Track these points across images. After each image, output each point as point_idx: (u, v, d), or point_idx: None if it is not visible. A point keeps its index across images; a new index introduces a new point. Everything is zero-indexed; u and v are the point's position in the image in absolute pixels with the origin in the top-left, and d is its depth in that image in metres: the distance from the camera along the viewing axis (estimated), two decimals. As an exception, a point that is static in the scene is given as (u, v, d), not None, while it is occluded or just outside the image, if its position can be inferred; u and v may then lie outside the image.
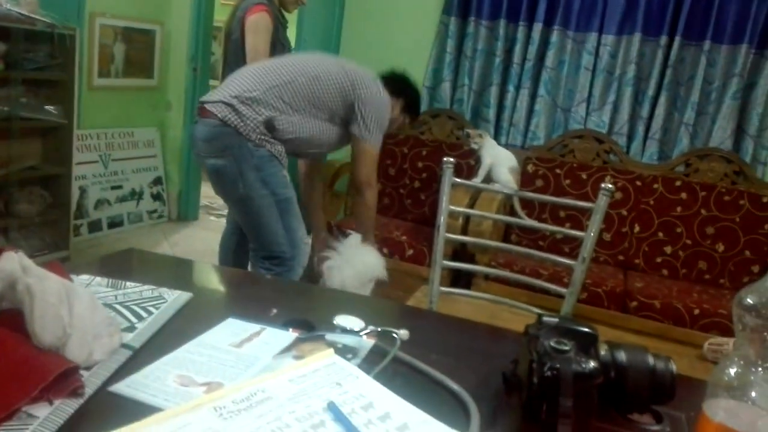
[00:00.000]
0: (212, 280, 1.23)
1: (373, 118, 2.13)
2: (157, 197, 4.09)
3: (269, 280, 1.49)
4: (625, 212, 3.06)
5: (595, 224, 1.46)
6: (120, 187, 3.81)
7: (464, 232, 2.73)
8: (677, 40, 3.06)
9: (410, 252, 2.89)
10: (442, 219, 1.58)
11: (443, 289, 1.59)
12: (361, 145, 2.17)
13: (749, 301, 0.53)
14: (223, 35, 2.64)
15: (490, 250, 2.77)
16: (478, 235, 2.69)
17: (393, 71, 2.43)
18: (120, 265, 1.13)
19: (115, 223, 3.77)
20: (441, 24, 3.46)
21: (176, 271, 1.20)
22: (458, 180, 1.64)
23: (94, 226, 3.64)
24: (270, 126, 2.03)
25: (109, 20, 3.60)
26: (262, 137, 2.01)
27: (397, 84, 2.37)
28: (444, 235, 1.58)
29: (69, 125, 2.94)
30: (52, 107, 2.89)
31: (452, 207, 1.63)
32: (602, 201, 1.44)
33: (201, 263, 1.24)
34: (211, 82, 4.18)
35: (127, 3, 3.73)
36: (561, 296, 1.53)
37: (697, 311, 2.54)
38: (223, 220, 4.20)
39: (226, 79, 2.15)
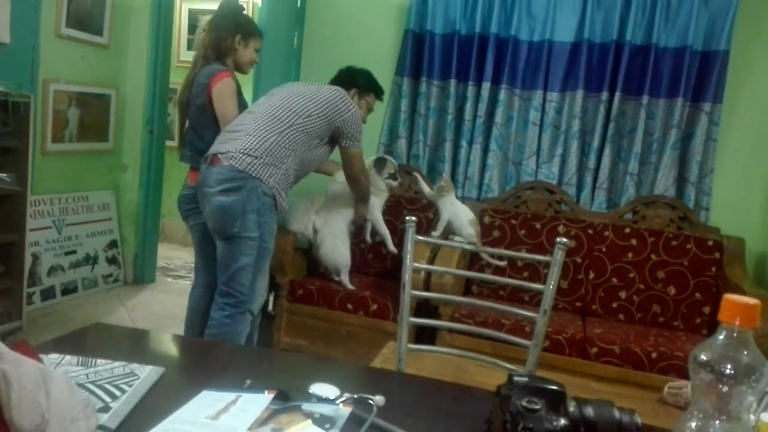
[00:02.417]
0: (183, 352, 1.22)
1: (356, 130, 2.52)
2: (112, 261, 4.01)
3: (241, 348, 1.49)
4: (579, 260, 3.16)
5: (553, 277, 1.51)
6: (74, 252, 3.73)
7: (427, 284, 2.77)
8: (617, 95, 3.24)
9: (374, 307, 2.91)
10: (407, 277, 1.62)
11: (411, 346, 1.61)
12: (351, 152, 2.57)
13: (703, 357, 0.58)
14: (182, 100, 2.66)
15: (453, 302, 2.81)
16: (441, 287, 2.73)
17: (338, 71, 2.78)
18: (87, 341, 1.12)
19: (69, 290, 3.67)
20: (394, 84, 3.58)
21: (145, 345, 1.19)
22: (421, 237, 1.68)
23: (48, 294, 3.53)
24: (285, 172, 2.33)
25: (63, 86, 3.60)
26: (276, 186, 2.29)
27: (346, 78, 2.72)
28: (410, 292, 1.61)
29: (23, 192, 2.89)
30: (5, 175, 2.84)
31: (416, 264, 1.67)
32: (558, 254, 1.51)
33: (169, 335, 1.24)
34: (168, 143, 4.19)
35: (81, 68, 3.74)
36: (525, 347, 1.57)
37: (654, 354, 2.62)
38: (181, 281, 4.19)
39: (232, 132, 2.34)
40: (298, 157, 2.39)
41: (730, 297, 0.59)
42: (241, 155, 2.24)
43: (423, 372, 1.82)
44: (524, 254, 1.72)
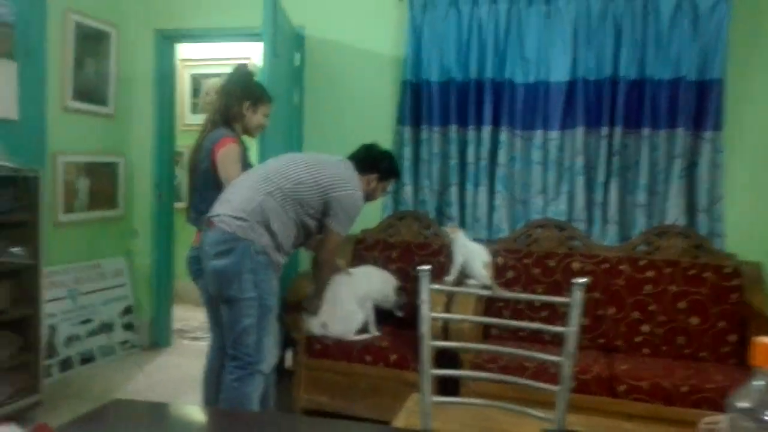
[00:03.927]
0: (200, 425, 1.20)
1: (346, 213, 2.41)
2: (128, 327, 3.99)
3: (262, 417, 1.47)
4: (598, 295, 3.12)
5: (574, 319, 1.50)
6: (90, 320, 3.73)
7: (445, 330, 2.74)
8: (618, 129, 3.27)
9: (394, 357, 2.87)
10: (425, 328, 1.60)
11: (435, 399, 1.58)
12: (331, 234, 2.44)
13: (744, 405, 0.56)
14: (189, 165, 2.71)
15: (473, 350, 2.77)
16: (459, 333, 2.70)
17: (362, 148, 2.68)
18: (107, 420, 1.11)
19: (86, 359, 3.65)
20: (396, 133, 3.62)
21: (164, 419, 1.18)
22: (436, 286, 1.67)
23: (66, 365, 3.51)
24: (272, 234, 2.28)
25: (71, 157, 3.66)
26: (267, 244, 2.26)
27: (367, 161, 2.61)
28: (429, 344, 1.59)
29: (36, 265, 2.91)
30: (18, 249, 2.87)
31: (433, 314, 1.66)
32: (577, 295, 1.49)
33: (186, 407, 1.22)
34: (177, 205, 4.23)
35: (88, 139, 3.82)
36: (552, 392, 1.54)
37: (684, 388, 2.56)
38: (198, 343, 4.16)
39: (226, 195, 2.37)
40: (288, 221, 2.34)
41: (760, 341, 0.58)
42: (230, 218, 2.25)
43: (450, 425, 1.79)
44: (542, 297, 1.70)
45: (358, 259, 3.46)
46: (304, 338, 2.98)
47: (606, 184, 3.32)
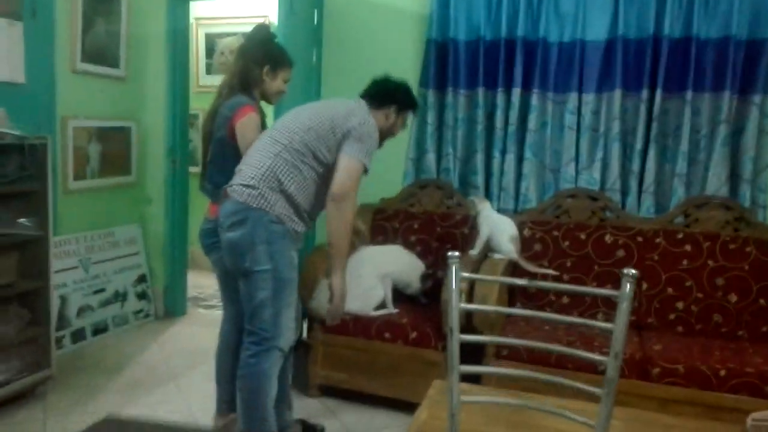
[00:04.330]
0: None
1: (361, 142, 2.14)
2: (142, 296, 3.92)
3: None
4: (631, 270, 2.95)
5: (622, 315, 1.34)
6: (103, 290, 3.65)
7: (467, 316, 2.60)
8: (658, 92, 3.04)
9: (414, 335, 2.74)
10: (454, 320, 1.45)
11: (464, 399, 1.44)
12: (346, 161, 2.13)
13: None
14: (205, 131, 2.55)
15: (496, 326, 2.64)
16: (483, 317, 2.56)
17: (373, 83, 2.43)
18: None
19: (99, 329, 3.59)
20: (419, 96, 3.42)
21: None
22: (466, 275, 1.52)
23: (78, 336, 3.45)
24: (288, 197, 2.12)
25: (82, 122, 3.53)
26: (283, 212, 2.11)
27: (382, 93, 2.38)
28: (458, 337, 1.45)
29: (45, 236, 2.81)
30: (25, 219, 2.76)
31: (464, 305, 1.51)
32: (627, 288, 1.33)
33: (179, 428, 1.09)
34: (192, 170, 4.10)
35: (99, 103, 3.67)
36: (594, 395, 1.40)
37: (723, 372, 2.40)
38: (213, 311, 4.08)
39: (240, 165, 2.22)
40: (304, 180, 2.14)
41: None
42: (240, 187, 2.11)
43: (475, 417, 1.66)
44: (585, 288, 1.54)
45: (377, 231, 3.32)
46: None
47: (643, 152, 3.10)
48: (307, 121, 2.17)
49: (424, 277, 3.03)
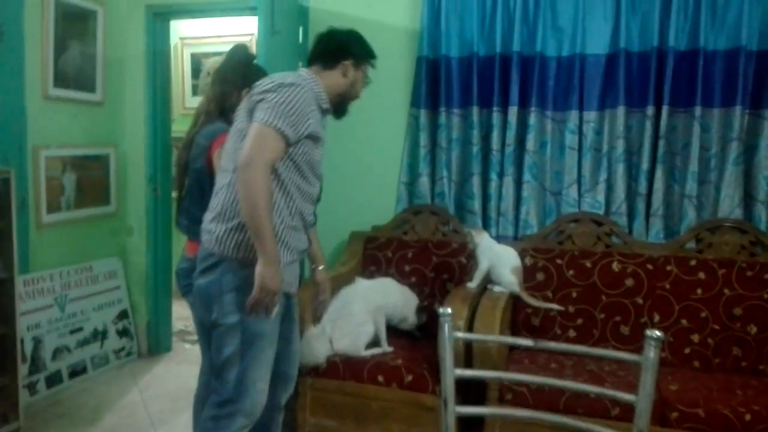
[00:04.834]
0: None
1: (277, 102, 1.74)
2: (123, 333, 3.71)
3: None
4: (640, 300, 2.75)
5: (647, 385, 1.14)
6: (80, 329, 3.44)
7: (467, 350, 2.40)
8: (665, 108, 2.85)
9: (409, 378, 2.53)
10: (448, 388, 1.25)
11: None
12: (252, 128, 1.73)
13: None
14: (180, 162, 2.35)
15: (499, 365, 2.43)
16: (485, 351, 2.35)
17: (317, 39, 2.05)
18: None
19: (77, 372, 3.37)
20: (410, 117, 3.24)
21: None
22: (460, 335, 1.32)
23: (54, 380, 3.23)
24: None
25: (55, 151, 3.34)
26: (246, 254, 1.80)
27: (333, 48, 2.01)
28: (454, 410, 1.25)
29: (9, 278, 2.61)
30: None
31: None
32: (651, 354, 1.13)
33: None
34: (174, 196, 3.89)
35: (73, 130, 3.48)
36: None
37: (748, 416, 2.19)
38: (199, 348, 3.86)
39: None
40: (278, 204, 1.84)
41: None
42: (205, 228, 1.89)
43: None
44: (604, 351, 1.35)
45: (369, 261, 3.12)
46: (309, 355, 2.65)
47: (650, 172, 2.91)
48: (238, 126, 1.88)
49: (419, 311, 2.83)
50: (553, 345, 1.31)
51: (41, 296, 3.23)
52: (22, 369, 3.02)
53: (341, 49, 2.01)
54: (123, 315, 3.72)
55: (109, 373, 3.50)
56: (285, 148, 1.77)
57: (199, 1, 3.68)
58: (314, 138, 1.85)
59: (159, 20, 3.80)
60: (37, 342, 3.17)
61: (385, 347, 2.66)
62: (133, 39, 3.76)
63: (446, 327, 1.28)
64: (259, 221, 1.70)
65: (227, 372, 1.86)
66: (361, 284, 2.77)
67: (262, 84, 1.81)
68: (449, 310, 1.28)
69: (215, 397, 1.90)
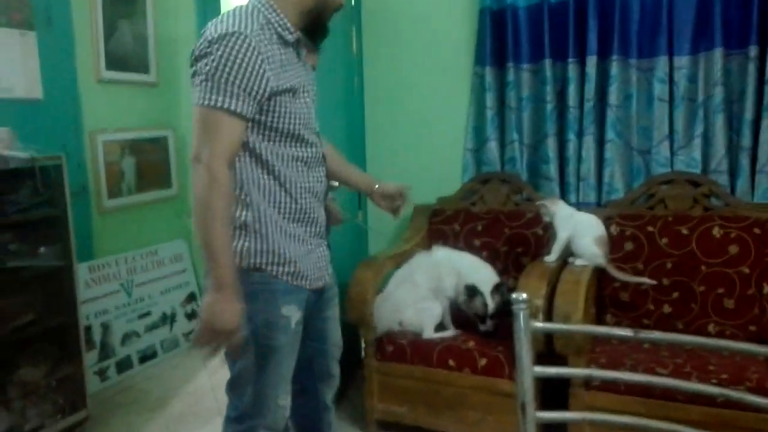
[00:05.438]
0: None
1: (213, 73, 1.36)
2: (192, 316, 3.67)
3: None
4: (746, 269, 2.40)
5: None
6: (148, 314, 3.41)
7: (548, 313, 2.15)
8: (772, 47, 2.45)
9: (483, 362, 2.31)
10: (526, 390, 1.03)
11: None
12: (194, 112, 1.42)
13: None
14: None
15: (584, 348, 2.17)
16: (567, 335, 2.09)
17: None
18: None
19: (147, 356, 3.36)
20: (475, 76, 2.96)
21: None
22: (539, 324, 1.09)
23: (124, 365, 3.22)
24: (249, 223, 1.48)
25: (112, 135, 3.28)
26: (257, 250, 1.48)
27: None
28: (535, 416, 1.03)
29: (69, 265, 2.56)
30: (46, 248, 2.52)
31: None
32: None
33: None
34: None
35: (130, 113, 3.42)
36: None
37: None
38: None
39: None
40: (253, 183, 1.49)
41: None
42: None
43: None
44: (723, 342, 1.07)
45: (434, 236, 2.90)
46: (373, 338, 2.48)
47: (755, 123, 2.52)
48: None
49: (496, 289, 2.45)
50: (656, 336, 1.06)
51: (107, 282, 3.21)
52: (92, 356, 3.03)
53: None
54: (191, 298, 3.68)
55: (179, 357, 3.47)
56: (243, 125, 1.40)
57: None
58: (286, 90, 1.45)
59: (209, -6, 3.67)
60: (106, 328, 3.16)
61: (451, 330, 2.45)
62: (184, 16, 3.64)
63: (521, 316, 1.05)
64: (204, 232, 1.37)
65: (242, 387, 1.58)
66: (437, 254, 2.56)
67: (196, 47, 1.42)
68: (524, 296, 1.05)
69: (231, 411, 1.62)
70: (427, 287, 2.46)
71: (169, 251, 3.62)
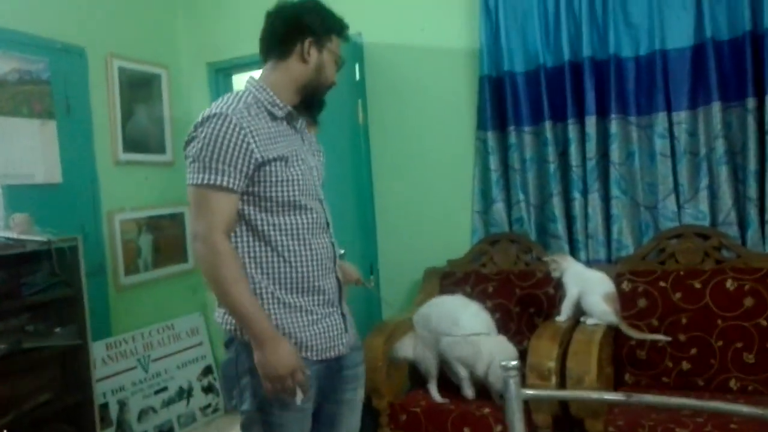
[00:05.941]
0: None
1: (199, 152, 1.44)
2: (209, 389, 3.65)
3: None
4: (764, 322, 2.35)
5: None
6: (165, 389, 3.41)
7: (561, 376, 2.10)
8: (768, 98, 2.48)
9: (498, 429, 2.26)
10: (519, 461, 1.01)
11: None
12: (189, 192, 1.47)
13: None
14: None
15: (601, 411, 2.11)
16: (583, 402, 2.04)
17: (266, 21, 1.62)
18: None
19: (164, 432, 3.34)
20: (478, 140, 3.02)
21: None
22: (530, 392, 1.08)
23: (140, 442, 3.21)
24: (255, 293, 1.50)
25: (129, 214, 3.38)
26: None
27: (284, 29, 1.57)
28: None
29: (84, 344, 2.60)
30: (62, 328, 2.57)
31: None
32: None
33: None
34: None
35: (146, 192, 3.52)
36: None
37: None
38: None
39: None
40: (247, 259, 1.51)
41: None
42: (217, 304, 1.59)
43: None
44: (742, 407, 1.06)
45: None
46: (386, 406, 2.44)
47: (759, 173, 2.52)
48: None
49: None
50: (649, 399, 1.03)
51: (124, 358, 3.23)
52: (108, 434, 3.02)
53: (293, 26, 1.55)
54: (207, 371, 3.67)
55: (196, 432, 3.44)
56: (234, 198, 1.45)
57: (257, 54, 3.67)
58: (275, 159, 1.48)
59: (221, 76, 3.83)
60: (122, 405, 3.16)
61: (467, 392, 2.41)
62: (198, 97, 3.80)
63: (511, 384, 1.04)
64: (225, 302, 1.44)
65: None
66: (448, 302, 2.60)
67: (187, 133, 1.52)
68: (513, 363, 1.05)
69: None
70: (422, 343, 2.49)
71: (186, 325, 3.65)
